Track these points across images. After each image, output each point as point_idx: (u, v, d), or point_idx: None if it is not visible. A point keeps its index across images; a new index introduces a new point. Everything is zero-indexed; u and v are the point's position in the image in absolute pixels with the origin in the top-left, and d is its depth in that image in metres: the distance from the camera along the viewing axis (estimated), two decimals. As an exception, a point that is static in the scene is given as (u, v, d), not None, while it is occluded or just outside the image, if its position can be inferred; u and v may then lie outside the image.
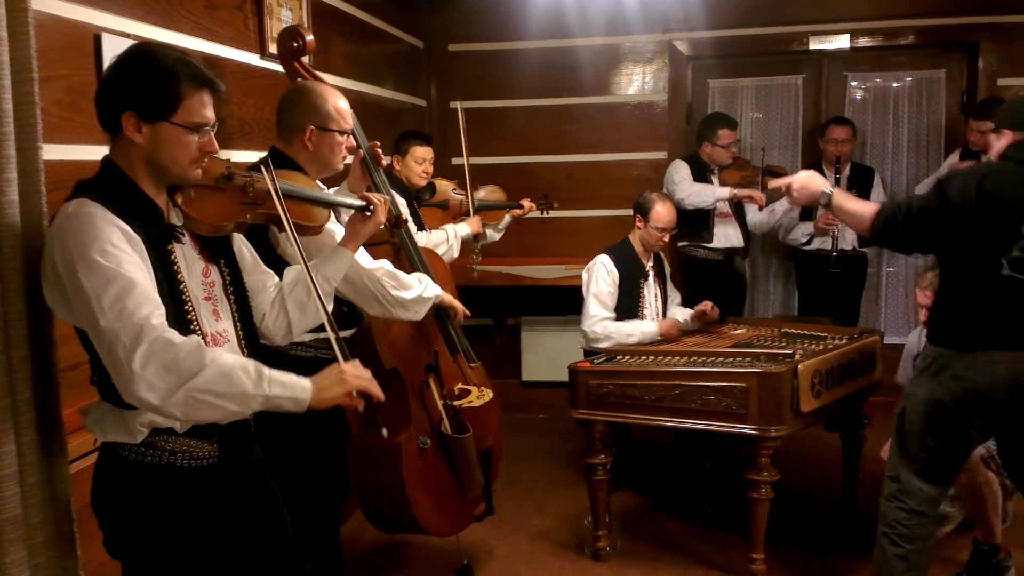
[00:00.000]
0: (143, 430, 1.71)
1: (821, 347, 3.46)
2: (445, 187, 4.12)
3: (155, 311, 1.59)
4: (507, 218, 4.30)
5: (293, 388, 1.71)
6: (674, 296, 4.28)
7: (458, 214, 4.10)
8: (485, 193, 4.33)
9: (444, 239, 3.78)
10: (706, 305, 3.97)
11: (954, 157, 4.86)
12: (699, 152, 4.85)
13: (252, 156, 3.03)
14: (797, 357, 3.20)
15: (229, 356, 1.65)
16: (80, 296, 1.58)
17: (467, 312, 2.99)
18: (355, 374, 1.79)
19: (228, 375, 1.61)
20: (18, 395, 1.72)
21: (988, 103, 4.47)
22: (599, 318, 3.90)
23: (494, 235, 4.29)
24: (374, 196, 2.32)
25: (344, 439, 2.77)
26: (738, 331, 3.97)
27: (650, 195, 4.05)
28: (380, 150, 2.73)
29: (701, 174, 4.78)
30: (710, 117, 4.96)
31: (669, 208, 3.98)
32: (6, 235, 1.68)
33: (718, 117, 4.89)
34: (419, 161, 3.89)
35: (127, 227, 1.64)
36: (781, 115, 5.46)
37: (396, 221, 2.54)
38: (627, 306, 3.97)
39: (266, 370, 1.68)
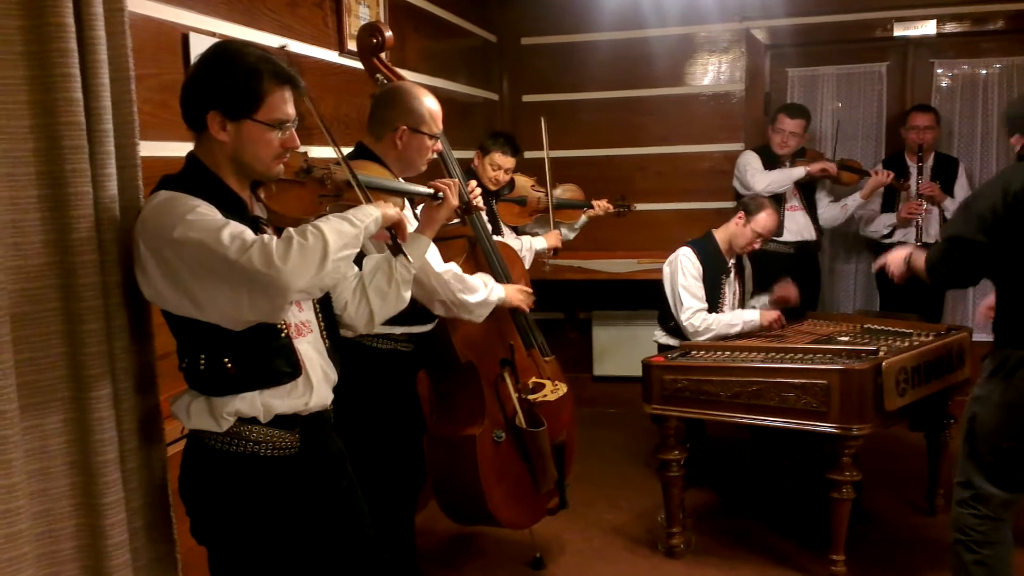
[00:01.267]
0: (229, 419, 1.76)
1: (906, 344, 3.37)
2: (524, 183, 4.12)
3: (264, 236, 1.67)
4: (583, 218, 4.27)
5: (367, 212, 1.85)
6: (757, 296, 4.22)
7: (535, 211, 4.10)
8: (562, 191, 4.31)
9: (519, 248, 3.77)
10: (788, 289, 3.87)
11: None
12: (770, 144, 4.77)
13: (332, 153, 3.09)
14: (881, 354, 3.12)
15: (326, 220, 1.75)
16: (191, 252, 1.61)
17: (533, 299, 2.98)
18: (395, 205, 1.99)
19: (339, 232, 1.72)
20: (119, 383, 1.79)
21: None
22: (695, 309, 3.81)
23: (568, 234, 4.28)
24: (441, 182, 2.37)
25: (420, 432, 2.82)
26: (818, 327, 3.89)
27: (762, 199, 3.99)
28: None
29: (772, 165, 4.70)
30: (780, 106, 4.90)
31: (775, 219, 3.93)
32: (106, 229, 1.75)
33: (785, 105, 4.84)
34: (495, 167, 3.87)
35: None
36: (864, 104, 5.30)
37: (467, 207, 2.57)
38: (709, 302, 3.92)
39: (349, 212, 1.82)
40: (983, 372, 2.64)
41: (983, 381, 2.62)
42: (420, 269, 2.35)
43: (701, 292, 3.86)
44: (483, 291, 2.65)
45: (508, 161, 3.89)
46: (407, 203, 2.37)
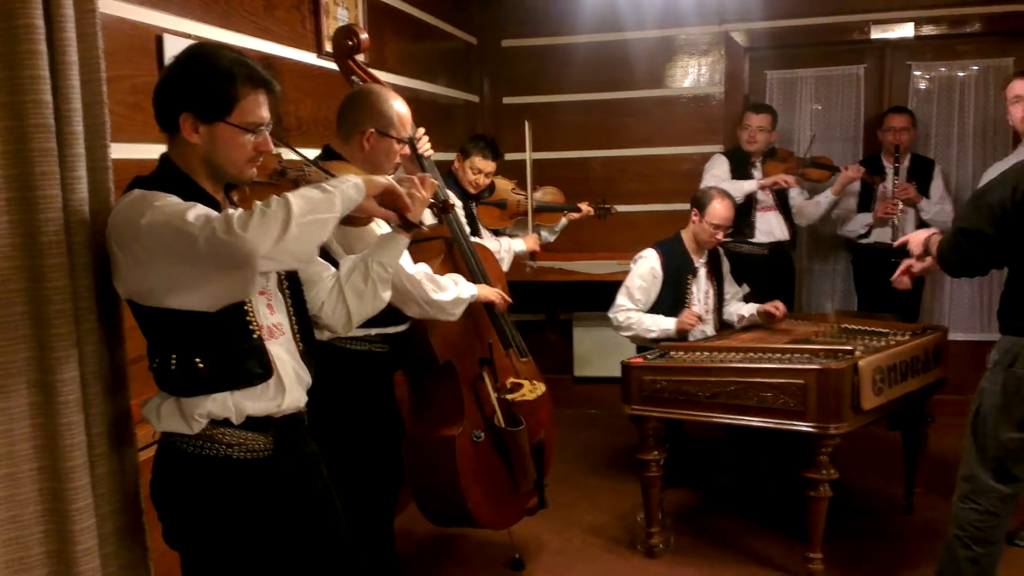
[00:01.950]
0: (200, 420, 1.75)
1: (883, 343, 3.39)
2: (504, 186, 4.12)
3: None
4: (563, 220, 4.28)
5: (343, 178, 1.78)
6: (734, 290, 4.23)
7: (515, 214, 4.10)
8: (542, 194, 4.31)
9: (497, 250, 3.76)
10: (776, 306, 3.91)
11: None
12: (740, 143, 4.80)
13: (310, 155, 3.08)
14: (858, 353, 3.14)
15: (289, 194, 1.68)
16: (159, 235, 1.59)
17: (508, 300, 2.99)
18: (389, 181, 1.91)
19: (305, 198, 1.66)
20: (89, 387, 1.77)
21: None
22: (622, 308, 3.96)
23: (548, 237, 4.29)
24: (416, 176, 2.33)
25: (398, 432, 2.81)
26: (796, 327, 3.91)
27: (710, 190, 4.02)
28: (427, 138, 2.80)
29: (742, 167, 4.73)
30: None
31: (727, 206, 3.94)
32: (76, 232, 1.73)
33: (751, 103, 4.89)
34: (475, 171, 3.86)
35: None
36: (841, 106, 5.34)
37: (443, 205, 2.55)
38: (671, 302, 3.96)
39: (322, 185, 1.74)
40: (988, 363, 2.66)
41: (987, 373, 2.64)
42: (396, 272, 2.33)
43: (643, 296, 3.97)
44: (454, 289, 2.65)
45: (489, 165, 3.88)
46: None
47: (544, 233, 4.22)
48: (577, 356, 5.52)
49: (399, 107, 2.55)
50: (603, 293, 5.26)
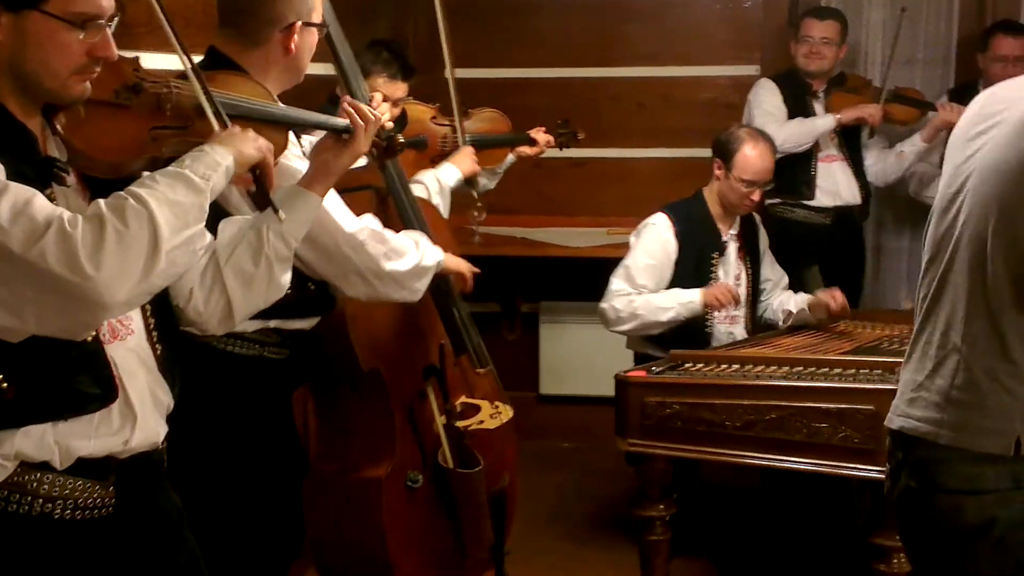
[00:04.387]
0: (6, 465, 1.72)
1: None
2: (421, 114, 3.99)
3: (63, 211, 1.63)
4: (510, 158, 4.24)
5: (211, 157, 1.82)
6: (776, 277, 4.31)
7: (440, 154, 4.01)
8: (477, 122, 4.20)
9: (423, 193, 3.58)
10: (834, 296, 3.96)
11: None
12: (795, 63, 4.89)
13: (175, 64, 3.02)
14: (949, 369, 3.19)
15: (151, 184, 1.71)
16: None
17: (475, 269, 3.04)
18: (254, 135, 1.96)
19: (174, 205, 1.69)
20: None
21: None
22: (619, 293, 3.98)
23: (487, 183, 4.23)
24: (358, 109, 2.33)
25: (298, 473, 2.82)
26: (861, 329, 3.98)
27: (737, 131, 4.08)
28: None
29: (799, 98, 4.82)
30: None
31: (763, 152, 4.01)
32: None
33: (812, 7, 5.00)
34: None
35: None
36: (927, 16, 5.41)
37: (388, 145, 2.54)
38: (690, 288, 4.00)
39: (184, 164, 1.78)
40: None
41: None
42: (323, 229, 2.35)
43: (651, 279, 3.99)
44: (414, 253, 2.65)
45: (398, 89, 3.76)
46: (291, 139, 2.35)
47: (482, 179, 4.13)
48: (545, 365, 5.58)
49: None
50: (584, 275, 5.29)
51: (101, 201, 1.65)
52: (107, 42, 1.75)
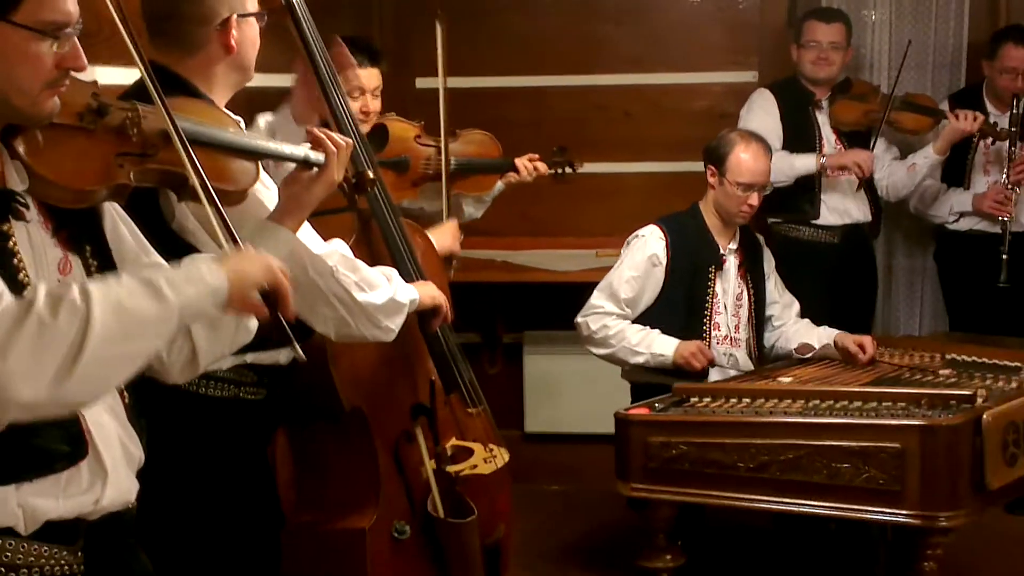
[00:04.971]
0: None
1: (1014, 385, 3.48)
2: (404, 133, 4.00)
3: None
4: (499, 185, 4.26)
5: (201, 278, 1.73)
6: (785, 301, 4.33)
7: (423, 177, 3.99)
8: (465, 144, 4.18)
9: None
10: (862, 345, 3.95)
11: None
12: (798, 69, 4.91)
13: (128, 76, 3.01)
14: (980, 401, 3.22)
15: (102, 285, 1.65)
16: None
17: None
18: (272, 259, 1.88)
19: (120, 309, 1.62)
20: None
21: None
22: (597, 310, 4.03)
23: (474, 212, 4.25)
24: (328, 138, 2.35)
25: (275, 525, 2.79)
26: (879, 356, 4.00)
27: (728, 134, 4.13)
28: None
29: (799, 110, 4.85)
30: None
31: (758, 152, 4.05)
32: None
33: (813, 10, 5.06)
34: (353, 95, 3.56)
35: None
36: (936, 21, 5.46)
37: (359, 181, 2.56)
38: (686, 308, 4.04)
39: (162, 274, 1.72)
40: None
41: None
42: (292, 255, 2.31)
43: (632, 296, 4.04)
44: (387, 287, 2.64)
45: (372, 76, 3.71)
46: (259, 168, 2.34)
47: (468, 207, 4.16)
48: (530, 400, 5.58)
49: None
50: (570, 302, 5.27)
51: (44, 287, 1.62)
52: (77, 51, 1.74)
